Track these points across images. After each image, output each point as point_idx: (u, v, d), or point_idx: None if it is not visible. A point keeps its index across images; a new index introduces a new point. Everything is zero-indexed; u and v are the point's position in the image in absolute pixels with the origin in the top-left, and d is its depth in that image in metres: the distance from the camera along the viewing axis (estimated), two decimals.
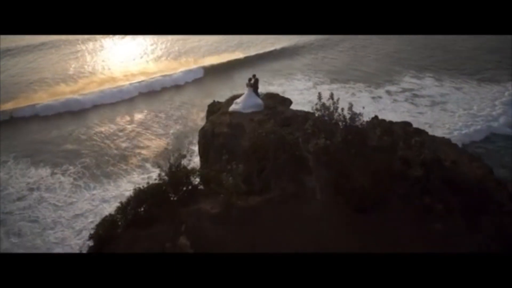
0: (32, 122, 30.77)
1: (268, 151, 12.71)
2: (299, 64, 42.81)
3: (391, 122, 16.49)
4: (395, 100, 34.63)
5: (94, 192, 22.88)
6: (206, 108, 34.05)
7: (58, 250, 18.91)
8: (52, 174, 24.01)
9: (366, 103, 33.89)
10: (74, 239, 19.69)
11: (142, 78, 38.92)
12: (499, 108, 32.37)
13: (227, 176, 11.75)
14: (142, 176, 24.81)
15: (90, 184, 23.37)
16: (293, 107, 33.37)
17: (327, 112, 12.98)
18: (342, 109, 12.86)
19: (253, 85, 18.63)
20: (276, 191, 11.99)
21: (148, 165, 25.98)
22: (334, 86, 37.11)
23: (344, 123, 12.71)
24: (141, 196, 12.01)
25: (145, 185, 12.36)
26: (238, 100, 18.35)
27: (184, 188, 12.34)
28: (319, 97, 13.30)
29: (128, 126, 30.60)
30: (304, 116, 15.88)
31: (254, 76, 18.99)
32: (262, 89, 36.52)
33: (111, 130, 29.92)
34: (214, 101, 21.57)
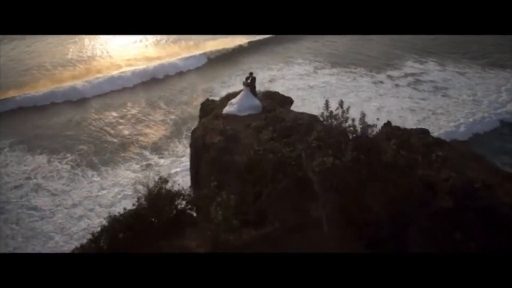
0: (30, 110, 30.46)
1: (266, 173, 10.80)
2: (300, 48, 42.12)
3: (406, 131, 14.36)
4: (397, 85, 34.13)
5: (92, 180, 22.81)
6: (207, 94, 34.02)
7: (57, 238, 18.98)
8: (49, 161, 23.91)
9: (367, 89, 33.51)
10: (73, 227, 19.71)
11: (142, 63, 38.17)
12: (506, 94, 31.66)
13: (216, 209, 9.98)
14: (141, 163, 24.79)
15: (87, 172, 23.28)
16: (293, 93, 33.10)
17: (335, 122, 11.59)
18: (353, 120, 11.40)
19: (250, 84, 16.88)
20: (274, 223, 10.63)
21: (146, 153, 25.85)
22: (335, 70, 36.59)
23: (354, 134, 11.31)
24: (116, 226, 10.33)
25: (122, 212, 10.75)
26: (233, 101, 16.58)
27: (168, 216, 10.75)
28: (326, 106, 11.93)
29: (127, 114, 30.30)
30: (308, 124, 14.26)
31: (251, 74, 17.25)
32: (261, 76, 36.29)
33: (109, 118, 29.65)
34: (208, 99, 19.85)
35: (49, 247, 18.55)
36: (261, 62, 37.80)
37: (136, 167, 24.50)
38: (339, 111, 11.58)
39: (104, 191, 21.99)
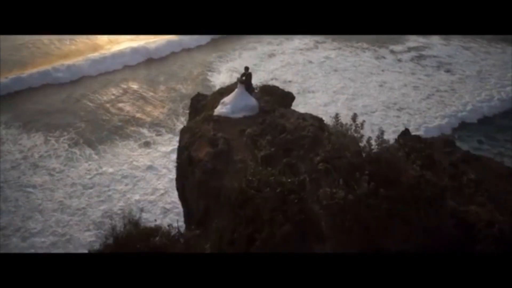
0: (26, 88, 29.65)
1: (262, 211, 8.63)
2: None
3: (428, 143, 12.19)
4: (399, 60, 33.40)
5: (90, 159, 22.50)
6: (208, 69, 33.28)
7: (57, 217, 18.84)
8: (46, 140, 23.51)
9: (369, 64, 32.79)
10: (73, 208, 19.52)
11: (143, 40, 36.33)
12: None
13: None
14: (139, 141, 24.44)
15: (85, 151, 22.94)
16: (294, 68, 32.38)
17: (347, 140, 9.98)
18: (369, 139, 9.76)
19: (245, 81, 14.83)
20: None
21: (144, 130, 25.45)
22: (336, 45, 35.74)
23: (368, 152, 9.66)
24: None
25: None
26: (226, 100, 14.65)
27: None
28: (337, 119, 10.40)
29: (126, 91, 29.60)
30: (313, 136, 12.11)
31: (247, 69, 15.05)
32: (261, 50, 35.32)
33: (108, 95, 28.98)
34: (198, 94, 17.74)
35: (50, 226, 18.46)
36: (261, 36, 36.76)
37: (134, 145, 24.17)
38: (352, 125, 10.01)
39: (102, 170, 21.71)
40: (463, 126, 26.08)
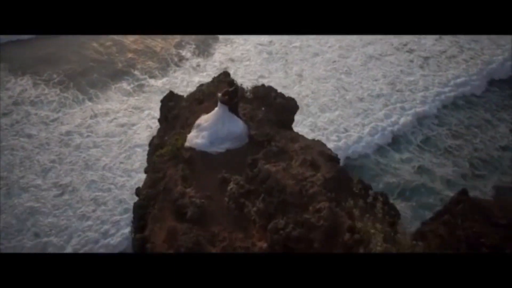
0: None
1: None
2: None
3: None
4: None
5: (84, 104, 21.94)
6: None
7: (56, 169, 18.83)
8: (35, 85, 22.59)
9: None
10: (71, 156, 19.42)
11: None
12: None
13: None
14: (132, 85, 23.75)
15: (78, 96, 22.28)
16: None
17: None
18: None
19: (229, 100, 10.88)
20: None
21: (136, 72, 24.64)
22: None
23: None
24: None
25: None
26: (203, 122, 11.07)
27: None
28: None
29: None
30: (329, 224, 7.86)
31: (231, 84, 11.27)
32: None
33: (96, 42, 27.19)
34: (170, 92, 14.06)
35: (50, 177, 18.50)
36: None
37: (128, 88, 23.55)
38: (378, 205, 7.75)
39: (97, 119, 21.31)
40: None
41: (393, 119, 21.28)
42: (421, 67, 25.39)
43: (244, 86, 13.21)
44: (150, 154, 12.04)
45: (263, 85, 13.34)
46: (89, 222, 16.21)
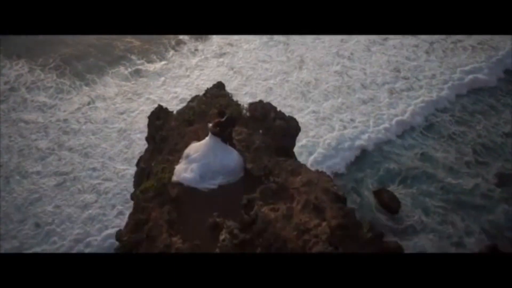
0: None
1: None
2: None
3: None
4: None
5: (81, 90, 21.50)
6: None
7: (54, 157, 18.56)
8: (31, 70, 22.09)
9: None
10: (70, 142, 19.06)
11: None
12: None
13: None
14: (129, 69, 23.29)
15: (75, 82, 21.83)
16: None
17: None
18: None
19: (222, 131, 9.79)
20: None
21: (133, 57, 24.10)
22: None
23: None
24: None
25: None
26: (193, 155, 9.92)
27: None
28: None
29: None
30: None
31: (222, 114, 9.85)
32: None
33: None
34: (159, 106, 12.97)
35: (49, 162, 18.25)
36: None
37: (125, 73, 23.08)
38: None
39: (95, 105, 20.95)
40: None
41: (398, 109, 20.87)
42: (427, 52, 24.78)
43: (242, 102, 12.09)
44: (135, 183, 10.82)
45: (261, 102, 12.15)
46: (90, 211, 16.06)
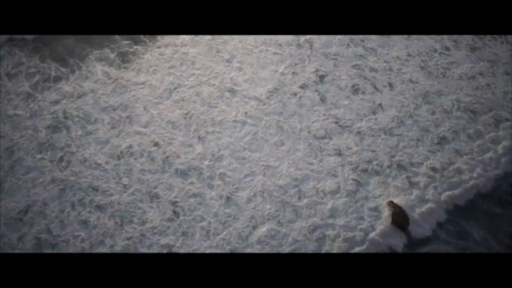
0: None
1: None
2: None
3: None
4: None
5: (68, 78, 20.22)
6: None
7: (46, 154, 17.84)
8: (11, 53, 20.21)
9: None
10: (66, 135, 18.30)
11: None
12: None
13: None
14: (115, 52, 21.91)
15: (61, 69, 20.41)
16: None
17: None
18: None
19: None
20: None
21: (116, 37, 22.58)
22: None
23: None
24: None
25: None
26: None
27: None
28: None
29: None
30: None
31: None
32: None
33: None
34: None
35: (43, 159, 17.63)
36: None
37: (111, 56, 21.72)
38: None
39: (82, 91, 19.86)
40: None
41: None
42: (455, 41, 19.94)
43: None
44: None
45: None
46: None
